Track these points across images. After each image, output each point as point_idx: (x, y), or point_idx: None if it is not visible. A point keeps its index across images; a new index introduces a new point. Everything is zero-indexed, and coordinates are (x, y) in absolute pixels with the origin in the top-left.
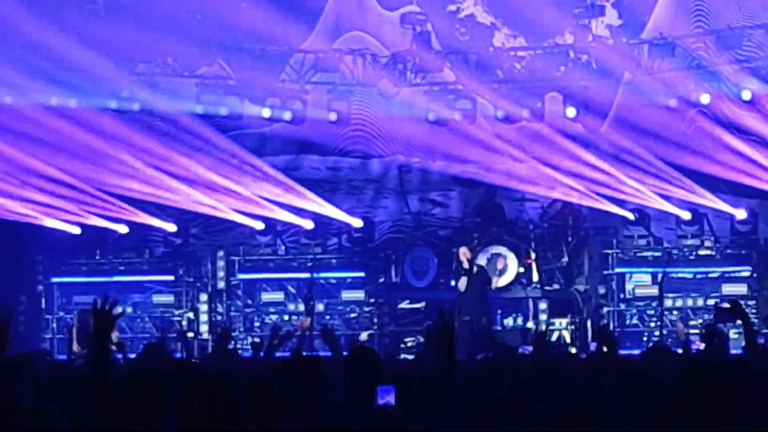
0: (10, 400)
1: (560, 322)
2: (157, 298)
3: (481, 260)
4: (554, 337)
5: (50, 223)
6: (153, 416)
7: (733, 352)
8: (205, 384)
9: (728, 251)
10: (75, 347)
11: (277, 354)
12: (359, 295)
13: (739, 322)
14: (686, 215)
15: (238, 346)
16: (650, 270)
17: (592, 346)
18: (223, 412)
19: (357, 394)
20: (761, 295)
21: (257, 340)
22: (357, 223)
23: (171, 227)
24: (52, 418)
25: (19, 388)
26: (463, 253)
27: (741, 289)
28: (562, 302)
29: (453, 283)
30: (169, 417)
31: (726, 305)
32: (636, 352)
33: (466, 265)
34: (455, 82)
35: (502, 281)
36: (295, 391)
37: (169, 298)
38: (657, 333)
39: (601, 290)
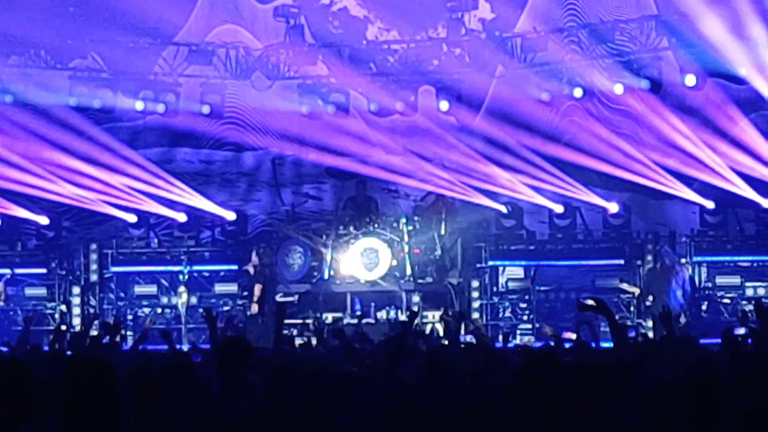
0: None
1: (433, 315)
2: (29, 291)
3: (355, 253)
4: (428, 330)
5: None
6: (26, 407)
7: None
8: (87, 371)
9: (600, 245)
10: None
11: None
12: (233, 288)
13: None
14: (559, 208)
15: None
16: (523, 263)
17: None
18: (106, 401)
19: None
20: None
21: None
22: (230, 216)
23: (43, 220)
24: None
25: None
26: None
27: (613, 282)
28: (435, 295)
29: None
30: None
31: (590, 302)
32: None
33: (251, 271)
34: (328, 75)
35: (374, 274)
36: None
37: (42, 291)
38: (529, 326)
39: (474, 283)
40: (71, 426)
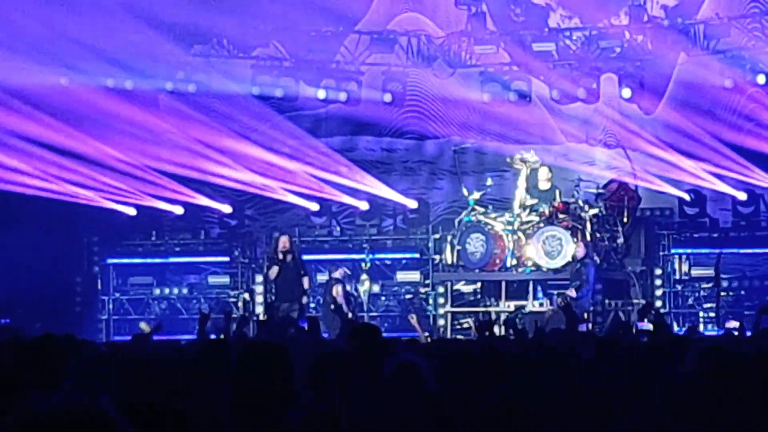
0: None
1: (615, 304)
2: (212, 279)
3: (537, 240)
4: (610, 317)
5: (106, 204)
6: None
7: None
8: (261, 351)
9: None
10: None
11: None
12: (415, 276)
13: None
14: (742, 196)
15: None
16: (706, 251)
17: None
18: (278, 381)
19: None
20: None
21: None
22: (412, 204)
23: (226, 208)
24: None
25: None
26: (283, 242)
27: None
28: (618, 283)
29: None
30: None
31: None
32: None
33: (280, 255)
34: (510, 63)
35: (557, 262)
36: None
37: (225, 279)
38: (713, 314)
39: (657, 271)
40: (244, 407)
